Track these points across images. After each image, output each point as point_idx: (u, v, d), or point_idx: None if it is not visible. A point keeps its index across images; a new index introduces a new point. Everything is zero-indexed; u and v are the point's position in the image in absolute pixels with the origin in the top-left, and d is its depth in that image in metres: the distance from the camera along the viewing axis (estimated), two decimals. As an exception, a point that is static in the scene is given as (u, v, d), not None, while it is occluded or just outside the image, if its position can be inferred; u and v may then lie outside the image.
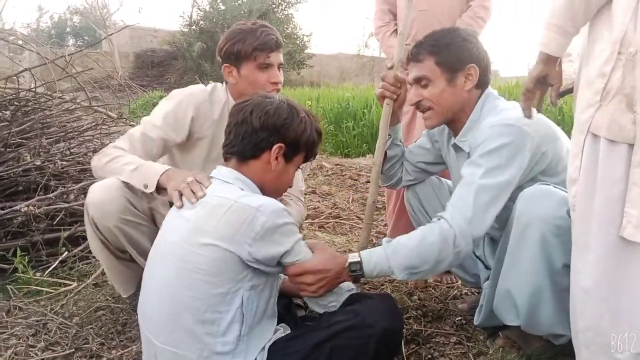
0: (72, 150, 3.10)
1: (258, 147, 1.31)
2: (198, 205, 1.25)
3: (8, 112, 3.00)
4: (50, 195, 2.47)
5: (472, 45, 1.57)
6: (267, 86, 1.76)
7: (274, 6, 17.25)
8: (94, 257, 2.41)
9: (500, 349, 1.58)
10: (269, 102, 1.33)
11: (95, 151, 3.12)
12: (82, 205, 2.55)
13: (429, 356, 1.60)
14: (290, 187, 1.46)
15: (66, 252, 2.37)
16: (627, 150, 1.10)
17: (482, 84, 1.59)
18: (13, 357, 1.63)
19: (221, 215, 1.20)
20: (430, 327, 1.78)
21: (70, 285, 2.15)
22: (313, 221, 3.27)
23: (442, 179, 1.94)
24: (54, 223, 2.47)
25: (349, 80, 17.41)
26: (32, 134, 2.92)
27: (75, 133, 3.27)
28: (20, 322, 1.84)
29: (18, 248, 2.21)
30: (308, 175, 4.39)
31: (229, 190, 1.26)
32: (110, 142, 3.19)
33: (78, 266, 2.35)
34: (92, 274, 2.25)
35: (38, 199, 2.37)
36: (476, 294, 2.03)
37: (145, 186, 1.51)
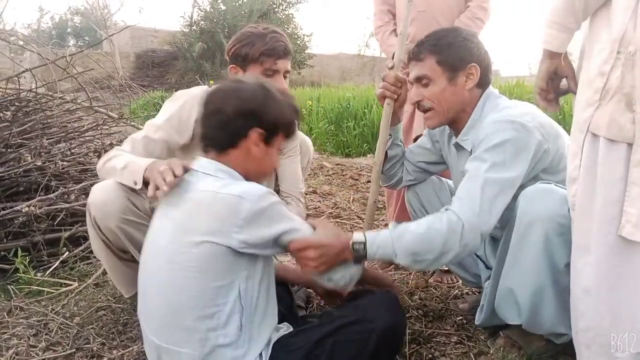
0: (72, 151, 3.11)
1: (236, 136, 1.26)
2: (182, 204, 1.22)
3: (9, 113, 3.01)
4: (51, 195, 2.48)
5: (473, 45, 1.57)
6: None
7: (274, 6, 17.26)
8: (94, 257, 2.42)
9: (501, 348, 1.58)
10: (241, 87, 1.28)
11: (96, 151, 3.14)
12: (83, 205, 2.56)
13: (430, 356, 1.60)
14: (275, 168, 1.41)
15: (67, 252, 2.38)
16: (626, 150, 1.10)
17: (483, 83, 1.59)
18: (14, 357, 1.63)
19: (205, 209, 1.17)
20: (431, 327, 1.78)
21: (71, 285, 2.15)
22: (314, 221, 3.26)
23: (443, 179, 1.94)
24: (55, 223, 2.47)
25: (349, 80, 17.42)
26: (33, 134, 2.93)
27: (76, 133, 3.27)
28: (22, 322, 1.84)
29: (19, 248, 2.21)
30: (309, 175, 4.39)
31: (210, 183, 1.22)
32: (111, 143, 3.20)
33: (79, 266, 2.36)
34: (93, 274, 2.26)
35: (39, 199, 2.37)
36: (477, 293, 2.03)
37: (135, 183, 1.49)
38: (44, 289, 2.11)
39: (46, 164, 2.71)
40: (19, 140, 2.84)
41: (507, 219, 1.46)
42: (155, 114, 1.86)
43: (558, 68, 1.29)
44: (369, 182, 3.97)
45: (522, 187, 1.43)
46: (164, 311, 1.21)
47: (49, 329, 1.81)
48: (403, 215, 2.30)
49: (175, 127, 1.75)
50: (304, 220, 1.34)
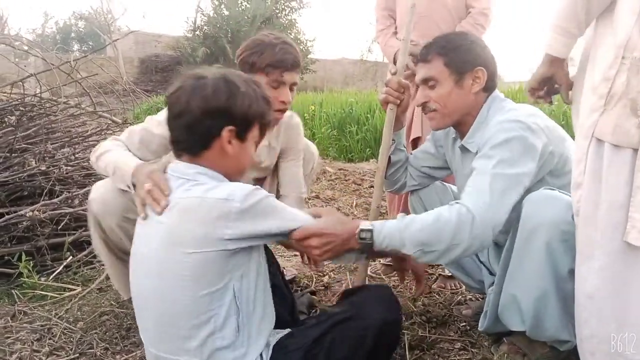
0: (76, 156, 3.12)
1: (207, 137, 1.20)
2: (167, 212, 1.17)
3: (13, 118, 3.03)
4: (55, 200, 2.49)
5: (481, 49, 1.58)
6: (275, 103, 1.69)
7: (277, 12, 17.33)
8: (98, 261, 2.43)
9: (505, 355, 1.57)
10: (202, 85, 1.19)
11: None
12: (87, 210, 2.58)
13: (433, 362, 1.59)
14: (255, 162, 1.35)
15: (71, 257, 2.38)
16: (631, 155, 1.10)
17: (489, 87, 1.60)
18: (17, 362, 1.63)
19: (192, 216, 1.13)
20: (434, 333, 1.77)
21: (75, 290, 2.15)
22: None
23: (447, 184, 1.94)
24: (59, 228, 2.48)
25: (352, 85, 17.44)
26: (37, 139, 2.94)
27: (80, 138, 3.29)
28: (25, 327, 1.84)
29: (23, 253, 2.22)
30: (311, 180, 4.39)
31: (192, 188, 1.17)
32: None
33: (82, 271, 2.36)
34: (97, 278, 2.26)
35: (43, 204, 2.38)
36: (480, 299, 2.02)
37: (128, 187, 1.45)
38: (47, 293, 2.11)
39: (50, 169, 2.72)
40: (23, 145, 2.85)
41: (511, 224, 1.46)
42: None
43: (555, 75, 1.29)
44: (372, 187, 3.97)
45: (528, 190, 1.42)
46: (158, 322, 1.19)
47: (52, 333, 1.81)
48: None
49: None
50: (303, 211, 1.31)
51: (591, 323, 1.21)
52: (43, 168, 2.65)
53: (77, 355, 1.67)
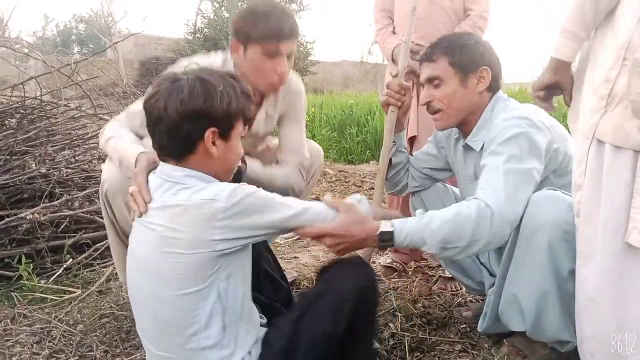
0: (77, 158, 3.12)
1: (189, 141, 1.17)
2: (160, 213, 1.17)
3: (14, 120, 3.03)
4: (55, 202, 2.49)
5: (486, 49, 1.59)
6: (272, 75, 1.66)
7: (277, 14, 17.32)
8: (98, 264, 2.43)
9: (506, 357, 1.57)
10: (177, 87, 1.15)
11: (100, 159, 3.14)
12: (87, 212, 2.58)
13: (434, 364, 1.59)
14: (241, 157, 1.32)
15: (70, 260, 2.37)
16: (632, 156, 1.10)
17: (493, 87, 1.60)
18: (17, 365, 1.63)
19: (181, 220, 1.13)
20: (434, 335, 1.77)
21: (75, 292, 2.15)
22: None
23: (448, 186, 1.94)
24: (59, 230, 2.48)
25: (352, 87, 17.44)
26: (38, 141, 2.94)
27: (80, 141, 3.28)
28: (25, 330, 1.84)
29: (23, 255, 2.21)
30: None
31: (179, 192, 1.16)
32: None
33: (82, 273, 2.35)
34: (96, 281, 2.26)
35: (43, 207, 2.38)
36: (481, 301, 2.02)
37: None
38: (47, 296, 2.11)
39: (50, 171, 2.72)
40: (24, 148, 2.85)
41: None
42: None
43: (560, 81, 1.30)
44: (372, 188, 3.96)
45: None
46: (153, 320, 1.21)
47: (52, 336, 1.80)
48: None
49: None
50: (323, 202, 1.29)
51: (592, 324, 1.21)
52: (43, 170, 2.65)
53: (77, 357, 1.66)
